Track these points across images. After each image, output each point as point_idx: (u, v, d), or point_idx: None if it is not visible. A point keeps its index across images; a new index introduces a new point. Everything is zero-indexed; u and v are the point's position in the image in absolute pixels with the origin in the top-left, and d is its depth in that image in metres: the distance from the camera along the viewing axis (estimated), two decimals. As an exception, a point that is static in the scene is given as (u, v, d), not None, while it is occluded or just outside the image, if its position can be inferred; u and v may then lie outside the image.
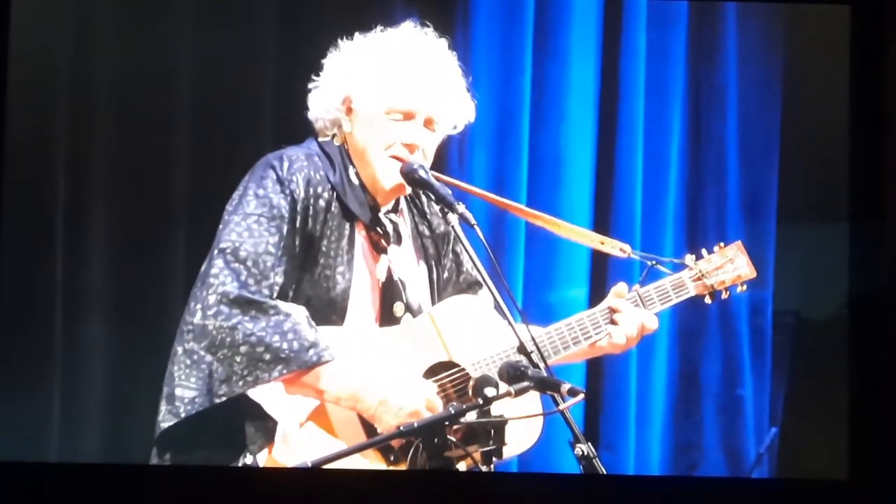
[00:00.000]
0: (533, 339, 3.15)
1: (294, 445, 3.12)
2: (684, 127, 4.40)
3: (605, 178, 4.39)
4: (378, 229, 3.30)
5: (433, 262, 3.41)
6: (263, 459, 3.13)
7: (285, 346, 3.07)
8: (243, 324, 3.06)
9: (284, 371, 3.08)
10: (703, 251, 3.59)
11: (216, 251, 3.14)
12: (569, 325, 3.37)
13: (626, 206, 4.38)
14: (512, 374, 3.08)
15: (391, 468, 3.20)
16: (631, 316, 3.42)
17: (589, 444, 3.03)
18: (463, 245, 3.25)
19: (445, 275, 3.45)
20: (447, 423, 2.99)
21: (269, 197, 3.16)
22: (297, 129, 3.76)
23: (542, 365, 3.10)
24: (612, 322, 3.42)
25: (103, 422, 3.92)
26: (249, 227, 3.14)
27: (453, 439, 2.99)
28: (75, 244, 4.03)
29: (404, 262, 3.35)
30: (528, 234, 4.33)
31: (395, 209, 3.35)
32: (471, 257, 3.26)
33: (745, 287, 3.60)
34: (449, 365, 3.29)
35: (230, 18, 4.00)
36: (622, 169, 4.40)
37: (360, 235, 3.28)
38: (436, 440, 3.00)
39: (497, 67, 4.37)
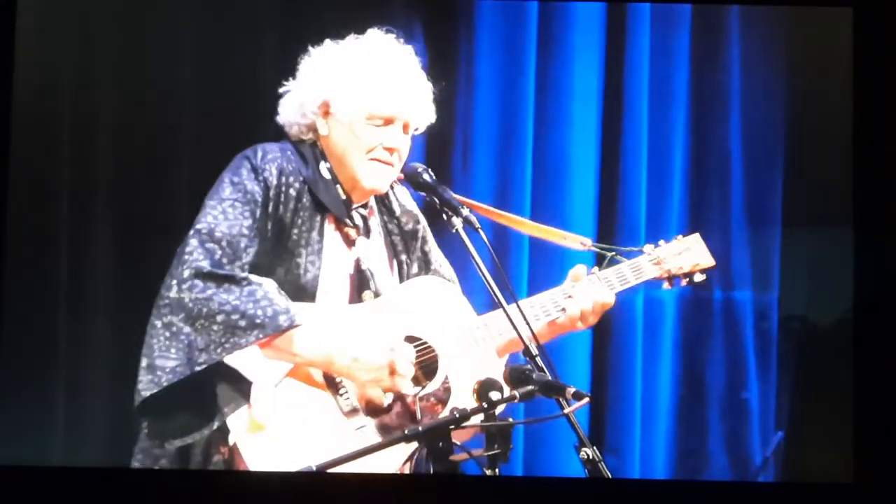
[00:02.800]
0: (538, 344, 3.16)
1: (271, 404, 3.22)
2: (688, 130, 4.40)
3: (609, 181, 4.39)
4: (348, 222, 3.40)
5: (402, 258, 3.50)
6: (239, 420, 3.23)
7: (260, 312, 3.19)
8: (218, 295, 3.20)
9: (260, 336, 3.19)
10: (662, 241, 3.68)
11: (192, 232, 3.27)
12: (529, 303, 3.44)
13: (631, 209, 4.38)
14: (517, 377, 3.09)
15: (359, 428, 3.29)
16: (586, 291, 3.49)
17: (594, 447, 3.04)
18: (467, 248, 3.27)
19: (414, 270, 3.52)
20: (452, 427, 2.99)
21: (243, 183, 3.30)
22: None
23: (547, 369, 3.10)
24: (569, 297, 3.49)
25: (107, 425, 3.92)
26: (224, 210, 3.28)
27: (458, 443, 2.99)
28: (80, 247, 4.04)
29: (373, 254, 3.45)
30: (532, 238, 4.32)
31: (365, 206, 3.46)
32: (475, 260, 3.28)
33: (704, 276, 3.70)
34: (413, 339, 3.37)
35: (232, 21, 4.00)
36: (626, 173, 4.40)
37: (331, 227, 3.39)
38: (440, 444, 3.00)
39: (501, 71, 4.38)
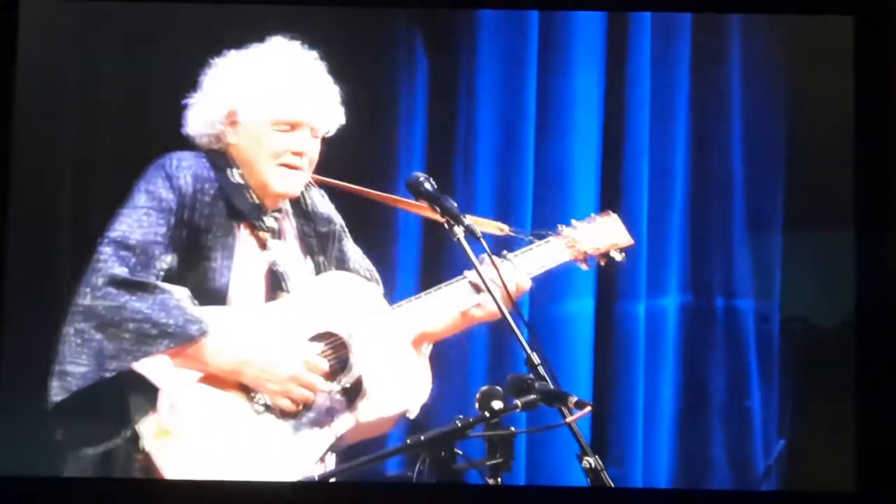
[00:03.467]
0: (543, 357, 3.17)
1: (179, 409, 3.25)
2: (689, 139, 4.40)
3: (611, 189, 4.38)
4: (261, 226, 3.44)
5: (319, 259, 3.54)
6: (148, 427, 3.26)
7: (171, 321, 3.23)
8: (130, 303, 3.24)
9: (171, 345, 3.23)
10: (575, 221, 3.71)
11: (105, 240, 3.31)
12: (445, 293, 3.48)
13: (633, 216, 4.37)
14: (519, 386, 3.09)
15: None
16: (506, 274, 3.48)
17: (596, 456, 3.04)
18: (468, 257, 3.28)
19: (331, 270, 3.55)
20: (455, 436, 3.00)
21: (157, 192, 3.34)
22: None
23: (549, 378, 3.10)
24: (480, 290, 3.50)
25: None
26: (139, 218, 3.32)
27: (460, 452, 3.00)
28: (81, 257, 4.03)
29: (288, 257, 3.49)
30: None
31: (279, 210, 3.50)
32: (477, 270, 3.29)
33: (623, 255, 3.71)
34: (327, 335, 3.40)
35: (236, 29, 4.01)
36: (627, 181, 4.39)
37: (245, 232, 3.43)
38: (442, 453, 3.01)
39: (502, 80, 4.38)
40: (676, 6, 4.18)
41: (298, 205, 3.54)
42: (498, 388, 3.07)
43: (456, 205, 3.37)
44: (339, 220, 3.59)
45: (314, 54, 3.48)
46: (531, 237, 3.65)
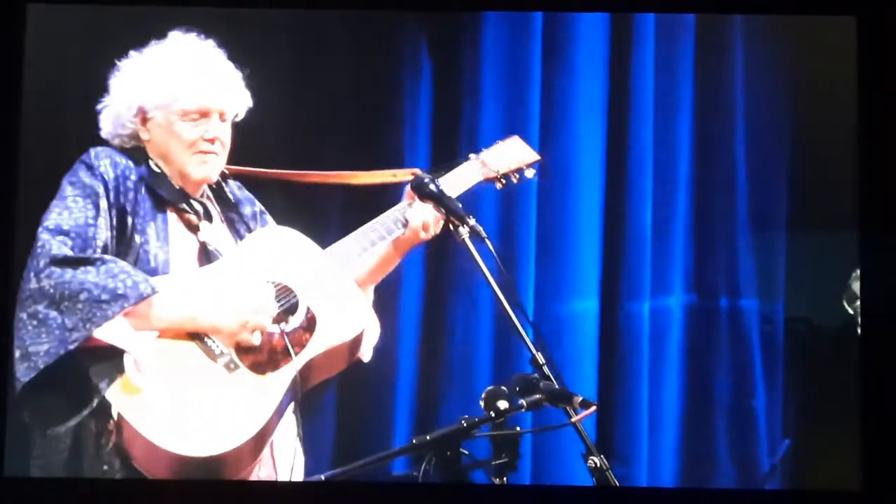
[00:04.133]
0: (548, 357, 3.17)
1: (146, 368, 3.33)
2: (693, 140, 4.39)
3: (615, 191, 4.37)
4: (188, 209, 3.53)
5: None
6: (117, 391, 3.33)
7: (120, 284, 3.32)
8: (76, 276, 3.33)
9: (125, 305, 3.31)
10: (483, 149, 3.81)
11: (40, 229, 3.39)
12: (371, 227, 3.55)
13: (636, 219, 4.37)
14: (524, 386, 3.09)
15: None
16: (422, 213, 3.58)
17: (601, 456, 3.05)
18: (473, 257, 3.29)
19: None
20: (460, 436, 3.02)
21: (81, 181, 3.44)
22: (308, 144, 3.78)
23: (554, 377, 3.10)
24: (405, 223, 3.59)
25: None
26: (67, 206, 3.42)
27: (465, 452, 3.01)
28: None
29: (218, 236, 3.57)
30: (538, 247, 4.33)
31: (202, 195, 3.59)
32: (481, 269, 3.29)
33: (533, 171, 3.83)
34: (272, 284, 3.48)
35: (246, 41, 4.02)
36: (632, 183, 4.38)
37: (173, 216, 3.52)
38: (448, 453, 3.02)
39: (506, 82, 4.37)
40: (679, 7, 4.17)
41: (220, 195, 3.63)
42: (503, 387, 3.08)
43: (460, 205, 3.37)
44: (258, 203, 3.67)
45: (212, 43, 3.57)
46: (444, 174, 3.71)
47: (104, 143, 3.86)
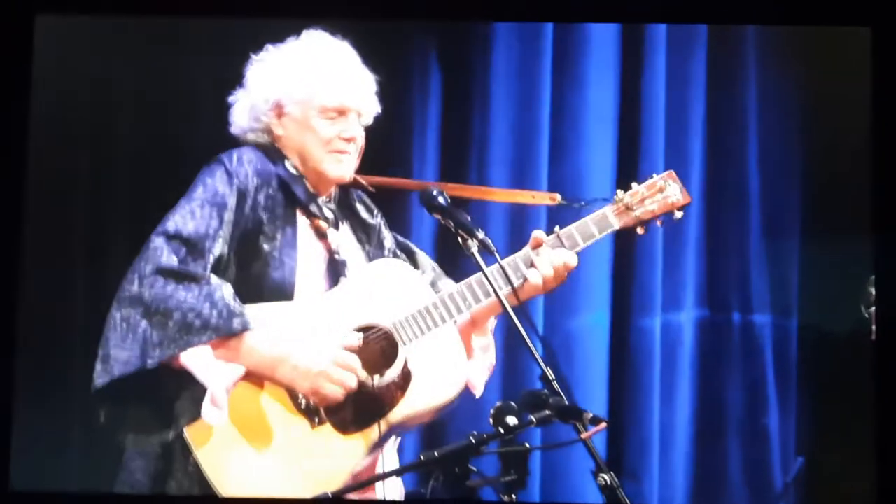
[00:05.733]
0: (557, 372, 3.15)
1: (222, 407, 3.26)
2: (705, 152, 4.39)
3: (626, 204, 4.37)
4: (318, 214, 3.49)
5: (367, 250, 3.59)
6: (192, 431, 3.28)
7: (215, 313, 3.27)
8: (177, 292, 3.27)
9: (213, 336, 3.26)
10: (634, 183, 3.56)
11: (159, 229, 3.35)
12: (491, 273, 3.37)
13: (648, 230, 4.35)
14: (533, 402, 3.07)
15: (316, 429, 3.32)
16: (548, 256, 3.47)
17: (612, 473, 3.02)
18: (482, 270, 3.26)
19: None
20: (469, 453, 2.99)
21: (215, 186, 3.39)
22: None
23: (563, 393, 3.08)
24: (531, 265, 3.47)
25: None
26: (192, 210, 3.36)
27: (474, 469, 2.99)
28: (97, 281, 4.02)
29: (345, 244, 3.53)
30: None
31: (331, 200, 3.55)
32: (489, 283, 3.27)
33: (680, 214, 3.56)
34: (369, 328, 3.40)
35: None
36: (643, 195, 4.38)
37: (304, 221, 3.48)
38: (456, 469, 3.00)
39: (516, 93, 4.38)
40: (691, 18, 4.15)
41: (345, 202, 3.58)
42: (512, 403, 3.06)
43: (469, 218, 3.35)
44: (379, 212, 3.63)
45: (346, 44, 3.53)
46: (583, 203, 3.58)
47: (118, 153, 3.86)
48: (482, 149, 4.37)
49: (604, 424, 3.02)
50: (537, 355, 3.16)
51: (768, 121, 4.35)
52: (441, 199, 3.39)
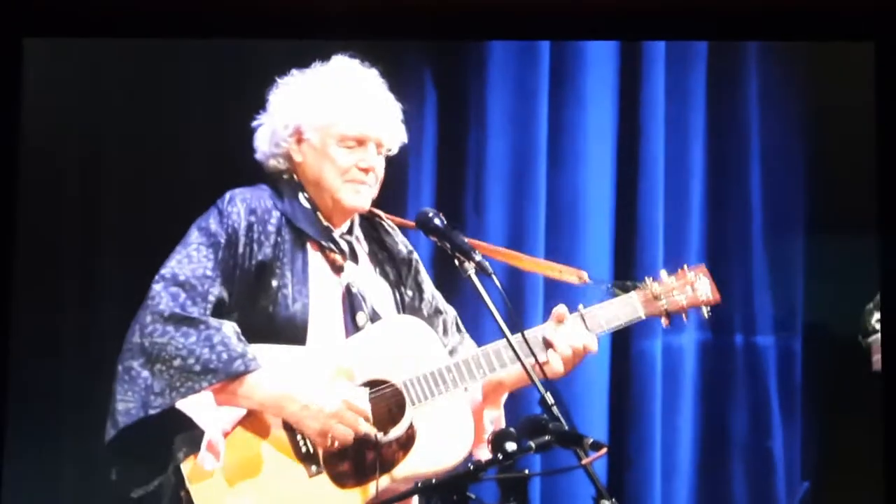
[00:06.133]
0: (557, 397, 3.09)
1: (219, 453, 3.23)
2: (705, 169, 4.41)
3: (626, 222, 4.36)
4: (333, 248, 3.44)
5: (394, 285, 3.53)
6: (188, 467, 3.25)
7: (214, 357, 3.23)
8: (176, 339, 3.25)
9: (213, 380, 3.23)
10: (664, 272, 3.47)
11: (157, 277, 3.33)
12: (505, 346, 3.32)
13: (647, 252, 4.37)
14: (532, 427, 3.04)
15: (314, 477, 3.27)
16: (568, 338, 3.39)
17: (613, 500, 2.97)
18: (480, 294, 3.24)
19: (408, 300, 3.53)
20: (467, 479, 2.94)
21: (209, 227, 3.36)
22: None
23: (563, 418, 3.04)
24: (549, 345, 3.39)
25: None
26: (189, 254, 3.34)
27: (472, 496, 2.95)
28: (88, 296, 4.11)
29: (363, 278, 3.46)
30: (546, 284, 4.29)
31: (350, 232, 3.50)
32: (488, 307, 3.24)
33: (709, 312, 3.46)
34: (379, 382, 3.35)
35: (242, 77, 4.00)
36: (642, 214, 4.37)
37: (316, 256, 3.43)
38: (455, 497, 2.96)
39: (513, 111, 4.37)
40: (691, 34, 4.14)
41: (370, 230, 3.54)
42: (511, 429, 3.02)
43: (466, 240, 3.31)
44: (412, 248, 3.57)
45: (375, 72, 3.50)
46: (611, 288, 3.47)
47: (122, 173, 3.82)
48: (479, 169, 4.37)
49: (605, 450, 2.98)
50: (536, 380, 3.13)
51: (770, 136, 4.37)
52: (437, 221, 3.36)
